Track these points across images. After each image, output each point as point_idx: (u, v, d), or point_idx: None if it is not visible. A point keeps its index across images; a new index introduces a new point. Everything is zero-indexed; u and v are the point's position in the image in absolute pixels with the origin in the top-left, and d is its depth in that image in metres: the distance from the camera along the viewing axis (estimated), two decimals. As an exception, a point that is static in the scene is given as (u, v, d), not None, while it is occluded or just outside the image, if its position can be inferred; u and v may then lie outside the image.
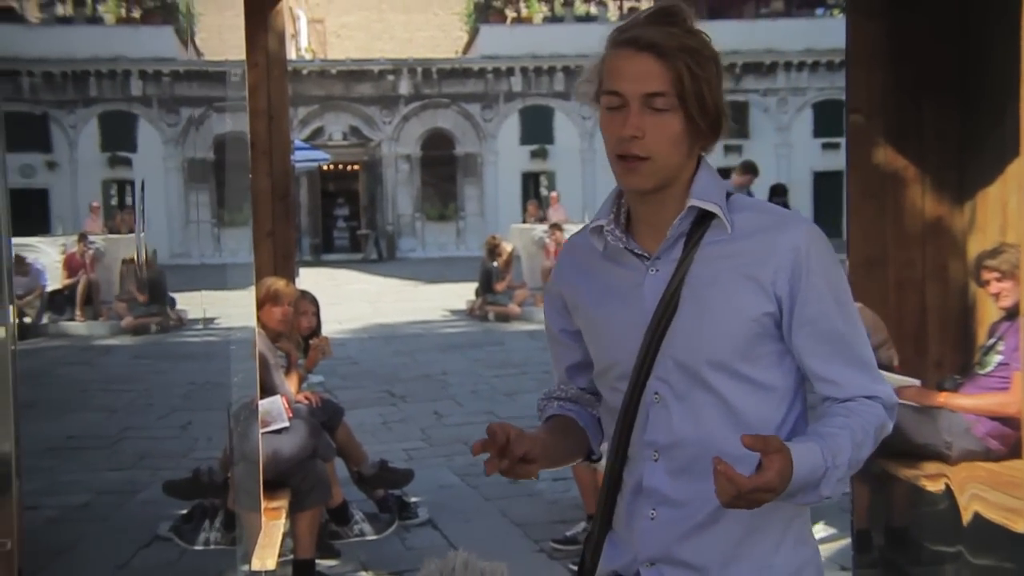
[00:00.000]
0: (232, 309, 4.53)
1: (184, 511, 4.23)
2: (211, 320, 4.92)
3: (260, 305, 4.37)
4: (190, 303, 5.16)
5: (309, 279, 14.59)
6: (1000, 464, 3.81)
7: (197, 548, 4.09)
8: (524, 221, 18.31)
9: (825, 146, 29.58)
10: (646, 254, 1.60)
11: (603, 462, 1.73)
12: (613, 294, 1.63)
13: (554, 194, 19.80)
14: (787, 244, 1.55)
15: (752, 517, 1.53)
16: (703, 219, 1.57)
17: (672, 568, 1.61)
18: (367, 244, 29.09)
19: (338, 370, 9.61)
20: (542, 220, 17.43)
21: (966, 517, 3.66)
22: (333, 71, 29.12)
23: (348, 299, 16.49)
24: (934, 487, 3.90)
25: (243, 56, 4.47)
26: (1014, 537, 3.37)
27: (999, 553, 3.60)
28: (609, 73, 1.54)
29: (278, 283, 4.50)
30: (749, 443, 1.39)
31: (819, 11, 30.83)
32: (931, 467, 3.99)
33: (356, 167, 30.04)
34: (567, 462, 1.77)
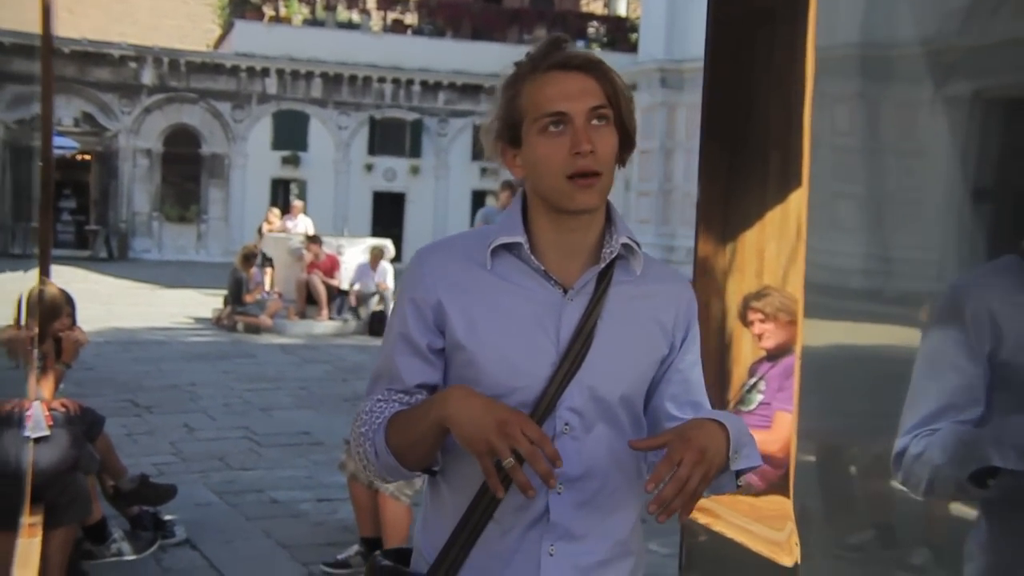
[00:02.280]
0: None
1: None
2: None
3: (50, 316, 4.15)
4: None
5: (27, 274, 13.68)
6: (762, 499, 4.15)
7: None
8: (261, 229, 17.09)
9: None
10: (560, 282, 1.63)
11: (393, 484, 1.69)
12: (520, 318, 1.62)
13: (297, 203, 18.53)
14: (685, 296, 1.72)
15: (637, 558, 1.68)
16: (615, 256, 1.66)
17: None
18: (96, 241, 27.51)
19: (72, 376, 9.03)
20: (283, 230, 16.68)
21: (731, 550, 3.96)
22: (65, 50, 27.38)
23: (79, 299, 15.53)
24: (701, 519, 4.18)
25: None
26: (781, 570, 3.67)
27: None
28: (541, 98, 1.58)
29: (56, 292, 4.28)
30: (640, 446, 1.51)
31: (579, 44, 32.23)
32: (708, 505, 4.28)
33: (88, 157, 28.40)
34: (424, 465, 1.63)
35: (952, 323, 1.99)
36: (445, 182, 30.04)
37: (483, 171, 29.58)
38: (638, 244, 1.66)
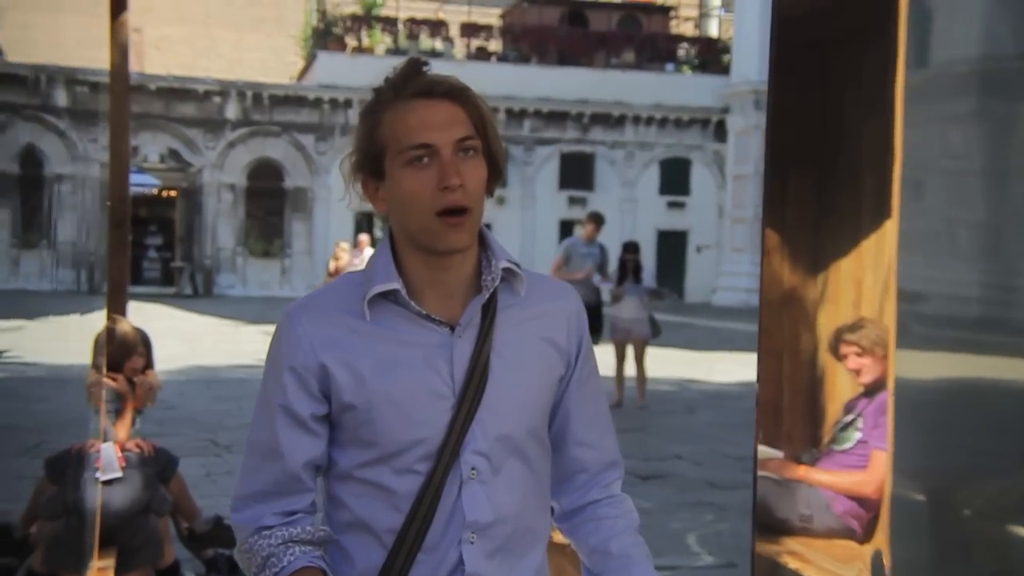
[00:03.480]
0: (29, 341, 4.37)
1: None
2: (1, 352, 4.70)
3: (121, 354, 4.26)
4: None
5: (116, 313, 14.08)
6: (861, 546, 4.05)
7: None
8: (329, 267, 16.75)
9: (670, 204, 30.73)
10: (445, 321, 1.57)
11: None
12: (409, 366, 1.55)
13: (363, 237, 18.04)
14: (572, 308, 1.68)
15: None
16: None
17: None
18: (182, 278, 28.28)
19: (152, 415, 9.26)
20: (350, 265, 16.13)
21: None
22: (152, 87, 28.35)
23: (161, 337, 15.84)
24: (797, 563, 4.10)
25: (61, 61, 4.38)
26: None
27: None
28: (405, 129, 1.52)
29: (129, 330, 4.40)
30: None
31: (669, 67, 32.16)
32: (792, 543, 4.20)
33: (173, 193, 29.25)
34: None
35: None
36: (532, 212, 30.16)
37: (571, 200, 29.64)
38: (518, 265, 1.61)
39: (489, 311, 1.57)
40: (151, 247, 29.69)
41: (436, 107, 1.51)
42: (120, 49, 5.44)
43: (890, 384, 3.62)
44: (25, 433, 8.40)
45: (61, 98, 26.38)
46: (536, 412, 1.62)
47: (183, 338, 15.90)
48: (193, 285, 27.98)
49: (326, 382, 1.56)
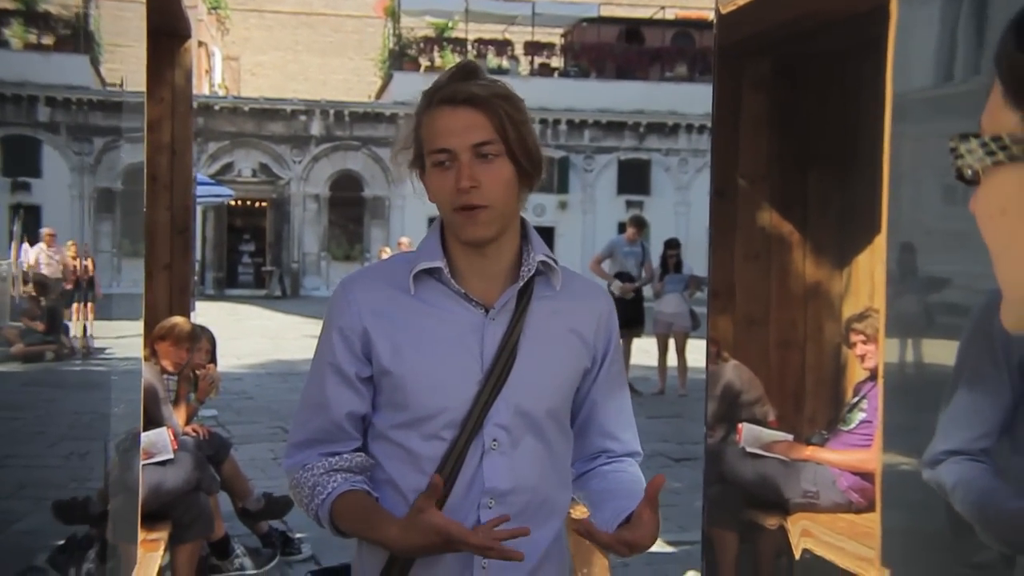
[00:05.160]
0: (119, 339, 4.49)
1: (60, 542, 4.14)
2: (101, 350, 4.85)
3: (160, 339, 4.37)
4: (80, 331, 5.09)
5: (211, 313, 14.42)
6: (859, 516, 3.99)
7: (71, 580, 4.01)
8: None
9: (722, 206, 30.36)
10: (482, 303, 1.61)
11: None
12: (443, 340, 1.60)
13: (403, 239, 17.34)
14: (604, 309, 1.70)
15: (560, 564, 1.68)
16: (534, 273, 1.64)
17: None
18: (271, 281, 28.76)
19: (232, 405, 9.48)
20: None
21: (823, 567, 3.82)
22: (246, 108, 28.91)
23: (248, 334, 16.26)
24: (798, 537, 4.06)
25: (143, 88, 4.50)
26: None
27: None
28: (431, 133, 1.56)
29: (183, 324, 4.50)
30: (652, 495, 1.50)
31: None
32: (797, 518, 4.16)
33: (264, 204, 29.75)
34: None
35: (983, 337, 1.88)
36: (592, 216, 30.08)
37: (628, 204, 29.50)
38: (555, 260, 1.64)
39: (524, 298, 1.61)
40: (244, 253, 30.22)
41: (457, 114, 1.54)
42: (184, 72, 5.58)
43: (880, 367, 3.56)
44: (113, 420, 8.65)
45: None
46: (556, 395, 1.64)
47: (268, 335, 16.18)
48: (282, 287, 28.43)
49: (368, 346, 1.60)
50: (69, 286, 3.91)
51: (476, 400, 1.58)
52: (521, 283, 1.62)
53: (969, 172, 0.54)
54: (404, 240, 17.19)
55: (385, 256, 16.54)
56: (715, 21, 4.11)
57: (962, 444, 1.85)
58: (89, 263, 3.95)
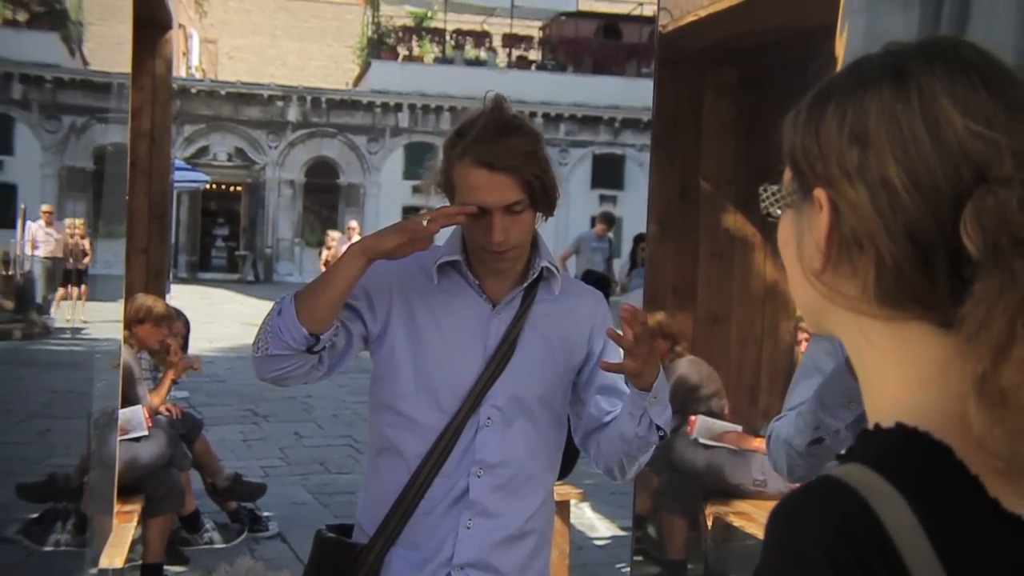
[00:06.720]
0: (98, 320, 4.60)
1: (35, 515, 4.27)
2: (78, 330, 4.97)
3: (138, 322, 4.50)
4: (57, 312, 5.19)
5: (184, 296, 14.44)
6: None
7: (46, 549, 4.14)
8: (321, 255, 14.95)
9: (693, 203, 30.62)
10: (491, 298, 1.84)
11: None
12: (456, 326, 1.83)
13: (352, 223, 15.99)
14: (599, 310, 1.92)
15: (540, 536, 1.87)
16: (538, 277, 1.86)
17: (481, 572, 1.81)
18: (244, 265, 28.73)
19: (204, 387, 9.60)
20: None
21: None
22: (222, 92, 28.81)
23: (221, 318, 16.35)
24: (744, 523, 4.26)
25: (128, 70, 4.60)
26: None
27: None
28: (467, 187, 1.74)
29: (158, 304, 4.64)
30: (627, 316, 1.66)
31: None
32: (743, 505, 4.37)
33: (239, 188, 29.71)
34: (324, 325, 1.71)
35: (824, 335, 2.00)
36: (566, 209, 30.13)
37: (602, 198, 29.71)
38: (557, 268, 1.87)
39: (528, 298, 1.83)
40: (218, 237, 30.17)
41: (493, 178, 1.71)
42: (164, 62, 5.71)
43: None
44: (88, 399, 8.74)
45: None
46: (549, 386, 1.85)
47: (240, 319, 16.24)
48: (255, 272, 28.41)
49: (379, 305, 1.81)
50: (74, 265, 4.02)
51: (476, 382, 1.80)
52: (526, 284, 1.85)
53: (770, 212, 0.74)
54: (353, 224, 15.88)
55: (332, 242, 14.98)
56: (656, 38, 4.32)
57: (783, 411, 1.94)
58: (86, 243, 4.06)
